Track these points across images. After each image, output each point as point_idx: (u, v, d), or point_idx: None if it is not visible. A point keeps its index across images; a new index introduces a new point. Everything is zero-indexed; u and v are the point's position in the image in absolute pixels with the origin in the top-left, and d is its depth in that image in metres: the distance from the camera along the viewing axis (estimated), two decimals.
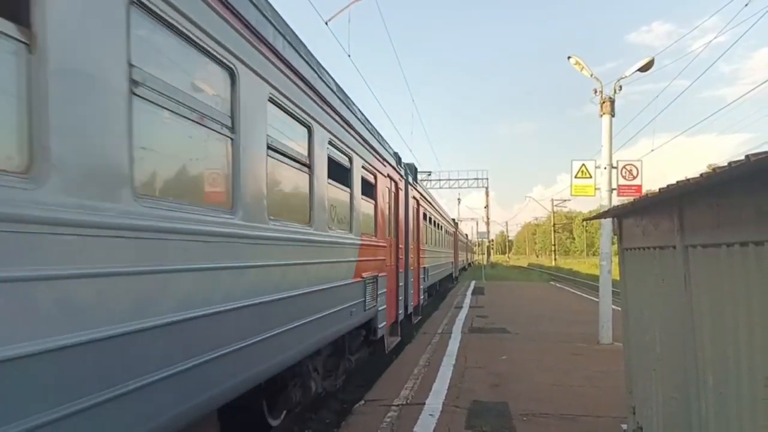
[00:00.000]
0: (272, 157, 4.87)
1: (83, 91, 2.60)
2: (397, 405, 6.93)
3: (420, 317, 15.47)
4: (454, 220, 37.77)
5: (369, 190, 8.85)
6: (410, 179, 13.56)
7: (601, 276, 11.85)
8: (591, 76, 11.87)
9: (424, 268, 16.67)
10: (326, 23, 14.23)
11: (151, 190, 3.28)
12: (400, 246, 11.77)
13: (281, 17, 5.23)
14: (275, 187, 5.05)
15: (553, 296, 24.99)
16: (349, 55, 15.21)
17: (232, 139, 4.09)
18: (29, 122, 2.33)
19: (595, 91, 11.65)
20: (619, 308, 5.35)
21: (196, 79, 3.79)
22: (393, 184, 11.13)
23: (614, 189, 11.66)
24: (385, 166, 10.11)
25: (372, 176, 9.05)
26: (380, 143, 9.86)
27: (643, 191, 11.37)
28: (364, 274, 8.19)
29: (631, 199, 4.94)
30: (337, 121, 6.86)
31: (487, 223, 65.97)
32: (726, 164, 2.26)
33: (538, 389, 7.74)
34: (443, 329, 13.63)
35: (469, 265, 65.43)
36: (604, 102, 11.53)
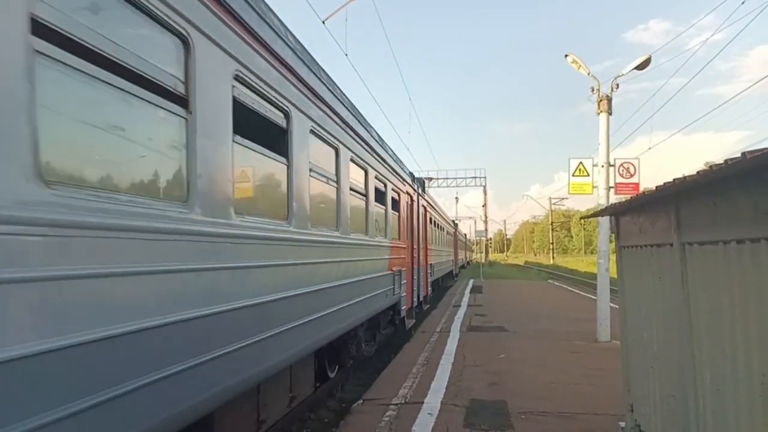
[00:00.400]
0: (353, 195, 7.91)
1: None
2: (396, 404, 6.92)
3: (429, 305, 18.09)
4: (454, 221, 40.69)
5: (395, 205, 11.75)
6: (420, 191, 16.24)
7: (599, 274, 11.87)
8: (588, 74, 11.88)
9: (431, 264, 19.38)
10: (323, 22, 14.22)
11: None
12: (414, 246, 14.31)
13: (326, 73, 6.67)
14: (349, 211, 7.56)
15: (551, 294, 25.02)
16: (346, 55, 15.19)
17: (337, 187, 6.98)
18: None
19: (593, 90, 11.65)
20: (617, 306, 5.36)
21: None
22: (409, 197, 13.81)
23: (612, 187, 11.67)
24: (404, 185, 13.00)
25: (397, 194, 11.90)
26: (402, 168, 12.78)
27: (641, 189, 11.39)
28: (393, 269, 10.93)
29: (629, 197, 4.95)
30: (382, 164, 10.08)
31: (485, 222, 66.03)
32: (717, 164, 2.26)
33: (537, 387, 7.75)
34: (442, 328, 13.64)
35: (468, 263, 65.50)
36: (601, 100, 11.53)
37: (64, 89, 2.64)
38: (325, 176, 6.73)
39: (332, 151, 7.09)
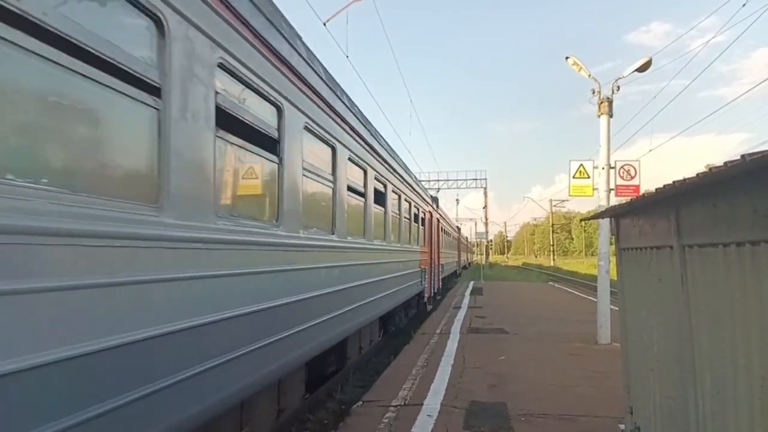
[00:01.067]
0: (404, 219, 11.79)
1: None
2: (395, 406, 6.92)
3: (440, 297, 23.64)
4: (458, 227, 47.21)
5: (423, 222, 16.56)
6: (434, 206, 20.57)
7: (599, 276, 11.86)
8: (589, 76, 11.88)
9: (441, 264, 24.07)
10: (324, 24, 14.24)
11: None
12: (431, 251, 18.85)
13: (359, 107, 8.46)
14: (401, 228, 11.32)
15: (551, 296, 25.00)
16: (347, 56, 15.22)
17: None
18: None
19: (593, 92, 11.65)
20: (617, 308, 5.35)
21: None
22: (430, 214, 18.62)
23: (612, 189, 11.66)
24: (427, 205, 17.88)
25: (423, 214, 16.73)
26: (426, 195, 18.35)
27: (641, 191, 11.37)
28: (420, 267, 15.46)
29: (629, 199, 4.94)
30: (418, 195, 15.18)
31: (486, 224, 66.02)
32: (716, 166, 2.26)
33: (537, 389, 7.74)
34: (442, 329, 13.62)
35: (469, 264, 65.47)
36: (602, 102, 11.53)
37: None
38: (382, 207, 10.01)
39: (383, 188, 10.19)
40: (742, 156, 2.03)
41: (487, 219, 65.71)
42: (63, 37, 2.52)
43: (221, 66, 3.97)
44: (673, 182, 2.81)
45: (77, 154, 2.80)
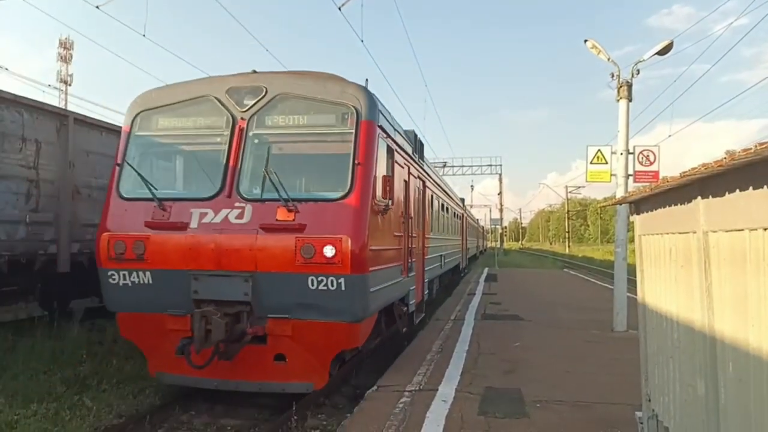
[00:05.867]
0: (452, 219, 21.36)
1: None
2: (410, 391, 6.94)
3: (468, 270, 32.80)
4: (477, 220, 56.88)
5: (458, 220, 24.50)
6: (463, 204, 30.04)
7: (617, 263, 11.74)
8: (608, 59, 11.66)
9: (467, 248, 31.76)
10: (339, 9, 14.12)
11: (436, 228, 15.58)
12: (462, 238, 26.70)
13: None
14: (451, 226, 20.66)
15: (566, 283, 24.87)
16: (362, 40, 15.16)
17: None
18: None
19: (612, 75, 11.45)
20: (634, 296, 5.28)
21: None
22: (462, 211, 27.50)
23: (630, 175, 11.49)
24: (464, 212, 29.37)
25: (457, 217, 24.07)
26: (464, 205, 31.32)
27: (660, 177, 11.19)
28: (460, 247, 25.03)
29: (648, 185, 4.85)
30: (464, 212, 30.04)
31: (501, 210, 65.64)
32: (745, 148, 2.19)
33: (552, 376, 7.72)
34: (456, 316, 13.64)
35: (484, 250, 65.24)
36: (621, 86, 11.33)
37: (435, 204, 10.35)
38: (446, 214, 18.48)
39: (443, 204, 17.69)
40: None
41: (501, 205, 65.35)
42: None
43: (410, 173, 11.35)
44: (699, 165, 2.74)
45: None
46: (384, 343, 10.02)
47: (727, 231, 2.79)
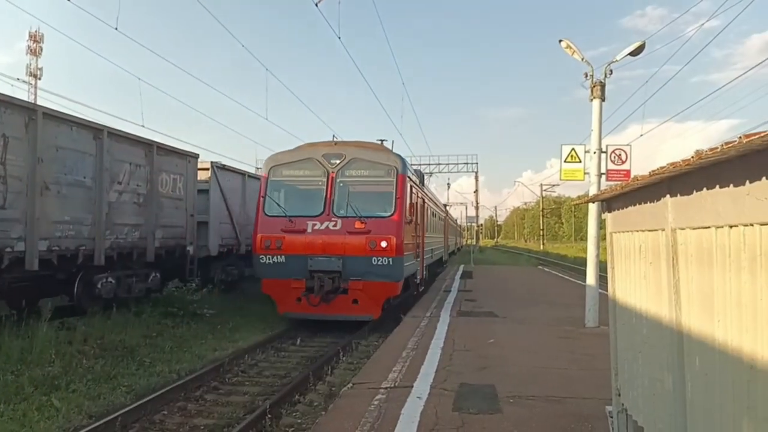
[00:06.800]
0: (437, 222, 25.78)
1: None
2: (385, 388, 6.95)
3: (447, 264, 35.57)
4: (456, 219, 59.32)
5: (441, 221, 28.79)
6: (445, 208, 35.01)
7: (589, 260, 11.93)
8: (582, 59, 11.82)
9: (449, 245, 37.10)
10: (316, 5, 14.05)
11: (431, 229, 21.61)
12: (445, 236, 31.36)
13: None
14: (439, 228, 27.31)
15: (540, 280, 25.20)
16: (339, 37, 15.12)
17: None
18: None
19: (586, 75, 11.61)
20: (606, 292, 5.37)
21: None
22: (444, 214, 32.33)
23: (603, 173, 11.68)
24: (446, 215, 35.61)
25: (440, 219, 27.89)
26: (445, 209, 37.46)
27: (632, 176, 11.39)
28: (443, 244, 29.74)
29: (620, 183, 4.93)
30: (447, 215, 37.79)
31: (477, 208, 66.18)
32: (712, 148, 2.24)
33: (525, 372, 7.81)
34: (432, 313, 13.69)
35: (460, 248, 65.69)
36: (594, 86, 11.50)
37: (433, 219, 17.88)
38: (434, 218, 23.31)
39: (433, 212, 23.39)
40: (739, 138, 2.01)
41: (477, 203, 65.86)
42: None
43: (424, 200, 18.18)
44: (666, 165, 2.79)
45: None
46: (401, 303, 15.35)
47: (694, 228, 2.85)
